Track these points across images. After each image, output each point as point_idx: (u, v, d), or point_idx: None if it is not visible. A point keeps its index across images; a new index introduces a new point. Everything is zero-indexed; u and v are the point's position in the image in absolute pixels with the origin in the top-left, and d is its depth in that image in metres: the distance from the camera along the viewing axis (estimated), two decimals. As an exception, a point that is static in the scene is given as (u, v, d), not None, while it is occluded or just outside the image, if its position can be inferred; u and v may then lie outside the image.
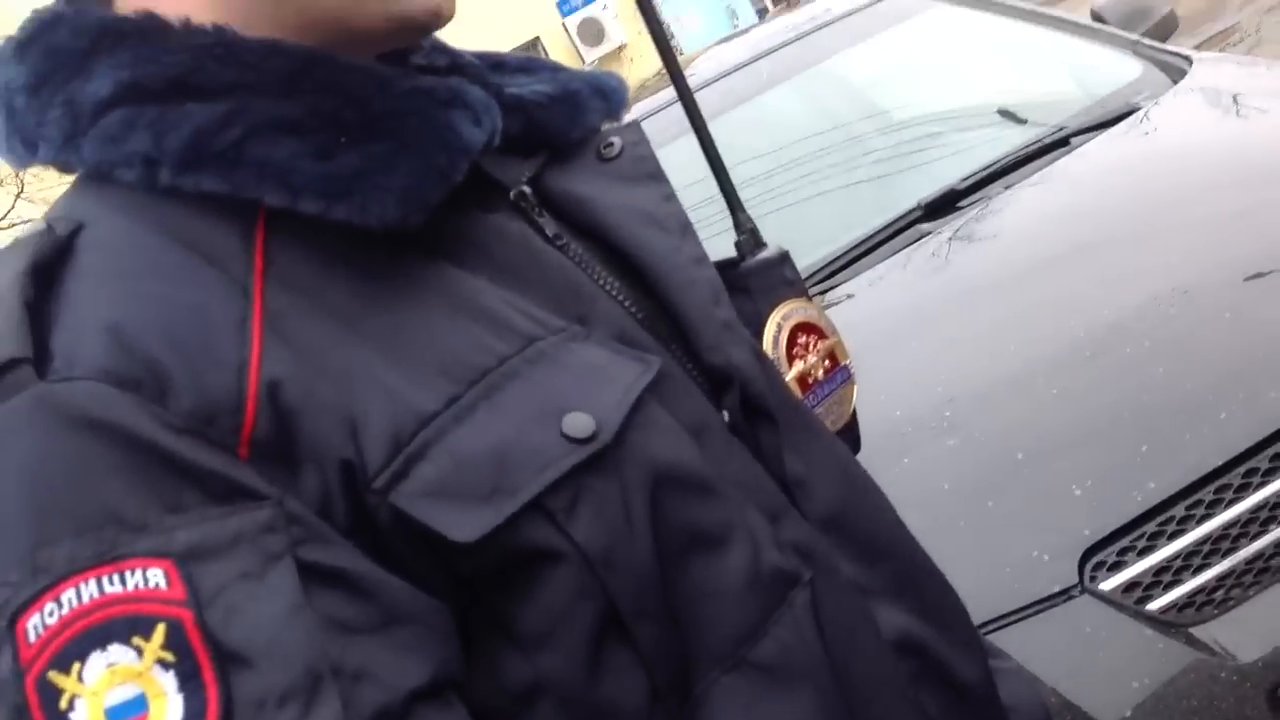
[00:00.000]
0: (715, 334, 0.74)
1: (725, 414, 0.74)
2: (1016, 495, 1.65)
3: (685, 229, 0.77)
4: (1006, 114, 2.69)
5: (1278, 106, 2.33)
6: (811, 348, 0.86)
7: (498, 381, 0.63)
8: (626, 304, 0.73)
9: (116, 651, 0.52)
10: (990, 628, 1.52)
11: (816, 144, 2.74)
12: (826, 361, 0.87)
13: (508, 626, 0.62)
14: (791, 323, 0.85)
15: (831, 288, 2.28)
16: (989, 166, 2.39)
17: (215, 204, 0.62)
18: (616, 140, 0.80)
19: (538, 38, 20.10)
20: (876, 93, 3.05)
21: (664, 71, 3.72)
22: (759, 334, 0.83)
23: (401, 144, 0.64)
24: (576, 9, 19.02)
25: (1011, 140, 2.51)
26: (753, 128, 2.91)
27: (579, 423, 0.63)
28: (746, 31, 4.14)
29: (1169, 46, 2.78)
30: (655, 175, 0.79)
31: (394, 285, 0.65)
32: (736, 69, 3.03)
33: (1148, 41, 2.77)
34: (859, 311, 2.19)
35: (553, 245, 0.73)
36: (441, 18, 0.68)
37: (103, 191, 0.64)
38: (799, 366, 0.84)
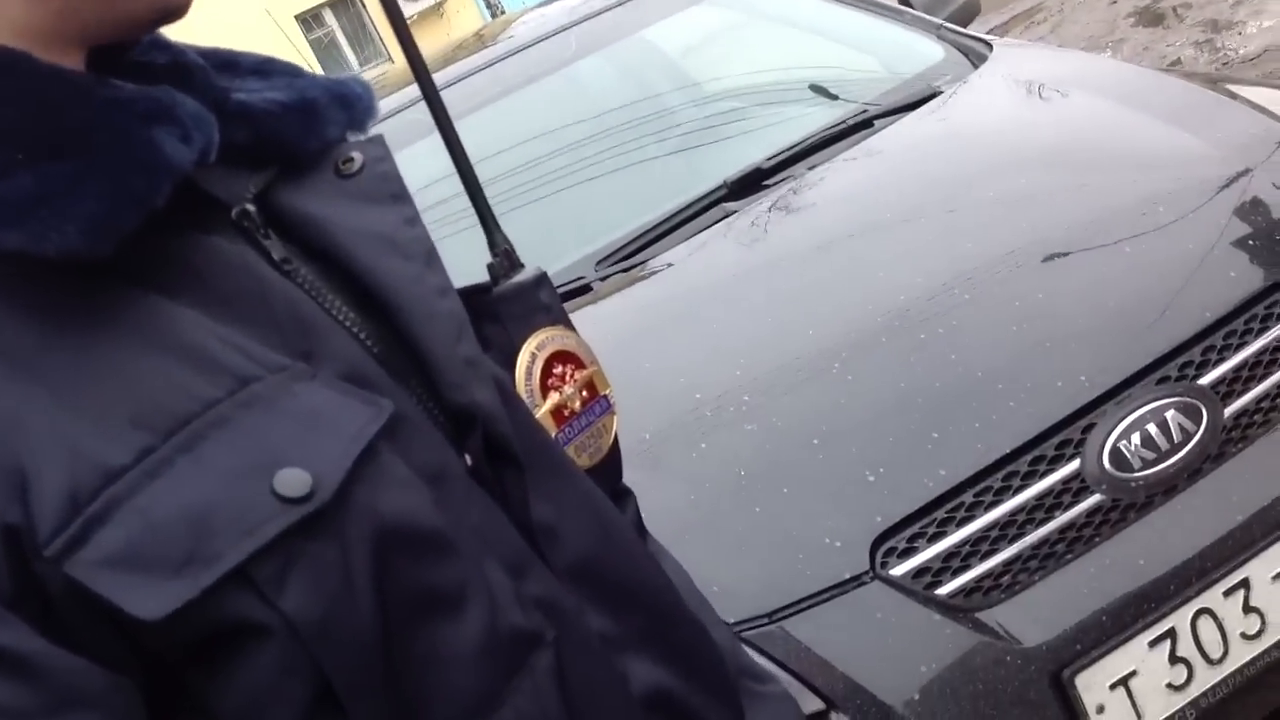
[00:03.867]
0: (458, 372, 0.68)
1: (468, 458, 0.68)
2: (811, 481, 1.65)
3: (429, 256, 0.71)
4: (817, 89, 2.70)
5: (1073, 93, 2.38)
6: (568, 378, 0.80)
7: (202, 430, 0.56)
8: (361, 336, 0.67)
9: None
10: (784, 613, 1.53)
11: (626, 115, 2.70)
12: (584, 392, 0.81)
13: (206, 706, 0.56)
14: (547, 352, 0.79)
15: (641, 262, 2.25)
16: (794, 147, 2.39)
17: None
18: (357, 155, 0.72)
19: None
20: (688, 65, 3.03)
21: (451, 49, 3.60)
22: (511, 364, 0.78)
23: (90, 164, 0.56)
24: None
25: (817, 120, 2.52)
26: (564, 97, 2.85)
27: (293, 479, 0.56)
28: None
29: (970, 31, 2.82)
30: (398, 195, 0.72)
31: (83, 321, 0.57)
32: (549, 36, 2.97)
33: (950, 26, 2.81)
34: (664, 286, 2.17)
35: (279, 271, 0.66)
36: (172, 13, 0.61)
37: None
38: (554, 398, 0.79)
